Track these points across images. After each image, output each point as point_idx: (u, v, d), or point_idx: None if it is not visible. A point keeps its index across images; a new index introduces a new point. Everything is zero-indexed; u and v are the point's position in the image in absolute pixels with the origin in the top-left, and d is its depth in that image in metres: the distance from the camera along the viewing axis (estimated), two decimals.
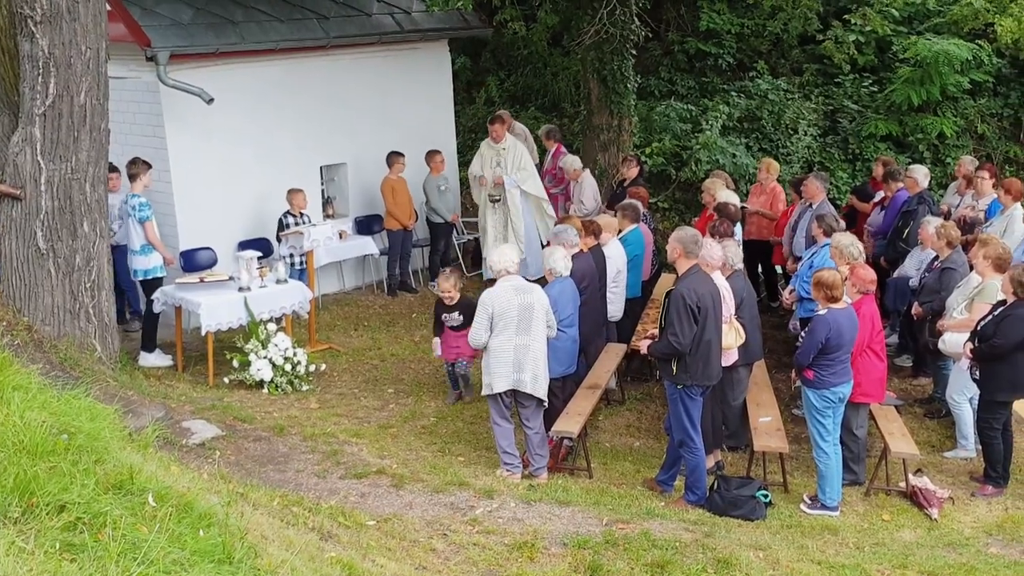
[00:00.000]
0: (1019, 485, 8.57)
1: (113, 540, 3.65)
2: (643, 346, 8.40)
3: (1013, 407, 8.48)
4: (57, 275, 9.05)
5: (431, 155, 13.35)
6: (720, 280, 8.23)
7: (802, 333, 8.22)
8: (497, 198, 12.88)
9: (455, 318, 9.90)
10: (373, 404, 10.06)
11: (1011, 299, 8.19)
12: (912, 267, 10.41)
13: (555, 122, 17.20)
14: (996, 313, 8.28)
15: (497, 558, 6.41)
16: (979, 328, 8.34)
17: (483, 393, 8.43)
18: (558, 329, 8.50)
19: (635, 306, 10.72)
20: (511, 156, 12.94)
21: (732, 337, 8.48)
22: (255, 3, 12.03)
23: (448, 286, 9.84)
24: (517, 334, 8.09)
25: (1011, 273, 8.25)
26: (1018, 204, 10.45)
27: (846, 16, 15.34)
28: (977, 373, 8.37)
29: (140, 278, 10.58)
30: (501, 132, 13.06)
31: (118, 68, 10.54)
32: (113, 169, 10.49)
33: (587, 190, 13.16)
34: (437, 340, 10.07)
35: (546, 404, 8.41)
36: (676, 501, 7.99)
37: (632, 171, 13.04)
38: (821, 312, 7.90)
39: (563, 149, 14.18)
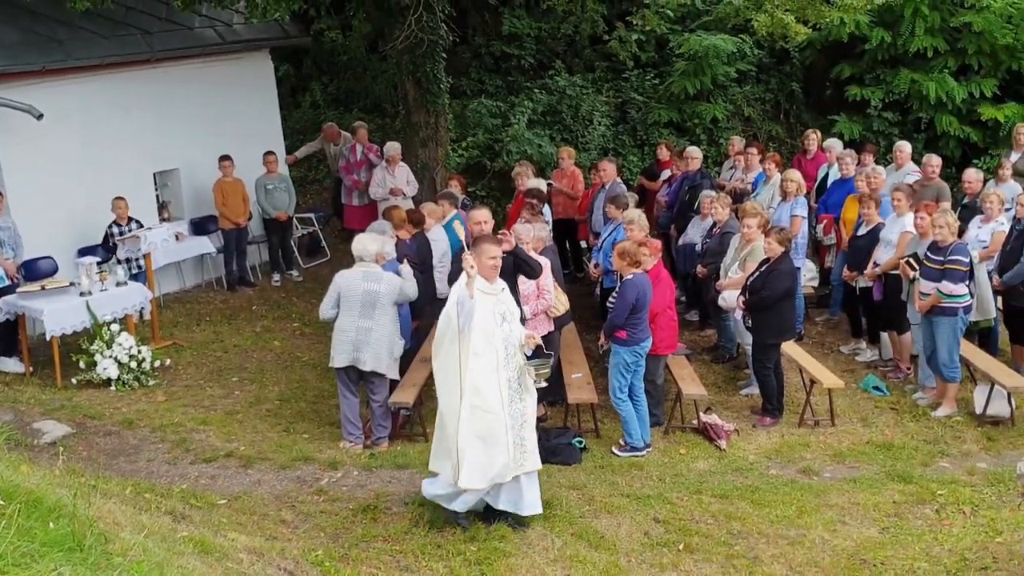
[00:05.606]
0: (792, 415, 9.09)
1: None
2: None
3: (782, 348, 9.06)
4: None
5: (265, 156, 13.02)
6: (538, 256, 8.48)
7: (610, 301, 8.47)
8: None
9: None
10: (218, 393, 9.78)
11: (778, 253, 8.71)
12: (696, 234, 10.91)
13: (377, 121, 17.09)
14: (763, 269, 8.80)
15: (343, 522, 6.42)
16: (749, 283, 8.85)
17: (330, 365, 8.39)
18: None
19: None
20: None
21: (561, 304, 8.76)
22: (79, 22, 11.37)
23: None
24: (360, 317, 8.06)
25: (774, 236, 8.78)
26: (778, 173, 11.14)
27: (628, 17, 15.78)
28: (750, 321, 8.89)
29: None
30: None
31: None
32: None
33: (404, 176, 13.14)
34: None
35: (391, 379, 8.40)
36: None
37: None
38: (628, 277, 8.16)
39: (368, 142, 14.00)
